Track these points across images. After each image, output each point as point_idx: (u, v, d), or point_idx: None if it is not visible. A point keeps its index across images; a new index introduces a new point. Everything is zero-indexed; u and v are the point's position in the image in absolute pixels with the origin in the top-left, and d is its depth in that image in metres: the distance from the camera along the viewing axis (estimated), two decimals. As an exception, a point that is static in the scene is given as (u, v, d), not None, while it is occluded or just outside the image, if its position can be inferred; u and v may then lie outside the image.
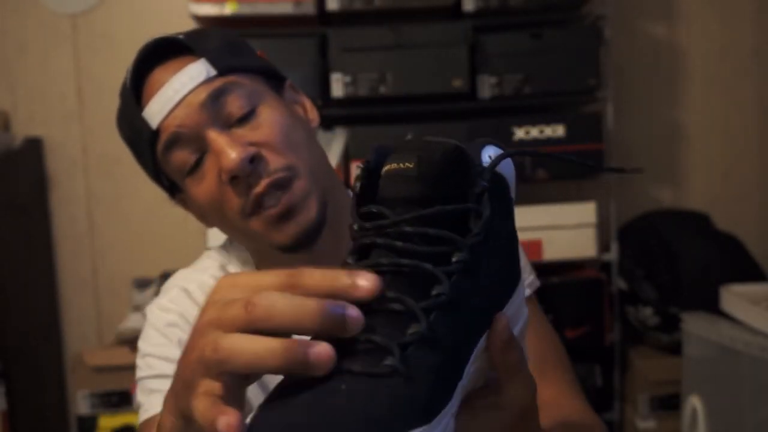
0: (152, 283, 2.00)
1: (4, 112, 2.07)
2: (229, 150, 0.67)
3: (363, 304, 0.37)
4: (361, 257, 0.41)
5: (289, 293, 0.37)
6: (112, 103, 2.08)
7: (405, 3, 1.74)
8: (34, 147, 2.07)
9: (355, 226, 0.42)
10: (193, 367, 0.39)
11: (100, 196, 2.13)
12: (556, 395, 0.70)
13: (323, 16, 1.78)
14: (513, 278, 0.45)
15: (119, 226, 2.14)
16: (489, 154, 0.43)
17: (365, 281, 0.37)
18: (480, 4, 1.76)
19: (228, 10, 1.71)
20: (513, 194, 0.46)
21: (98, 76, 2.09)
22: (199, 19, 1.74)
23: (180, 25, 1.39)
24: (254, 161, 0.67)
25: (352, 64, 1.71)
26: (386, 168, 0.41)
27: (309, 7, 1.72)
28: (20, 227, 1.97)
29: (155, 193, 2.07)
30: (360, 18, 1.78)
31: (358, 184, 0.42)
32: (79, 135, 2.12)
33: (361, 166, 0.43)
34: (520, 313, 0.46)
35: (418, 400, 0.36)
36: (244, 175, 0.67)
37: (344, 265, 0.41)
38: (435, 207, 0.40)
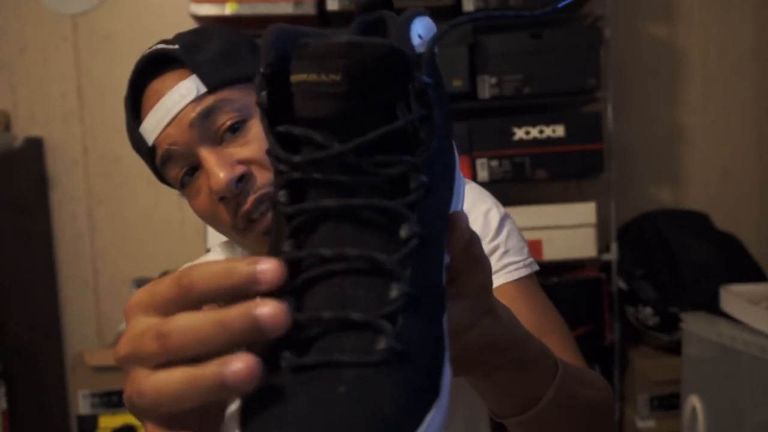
0: (152, 283, 2.01)
1: (5, 112, 2.07)
2: (217, 170, 0.68)
3: (324, 272, 0.31)
4: (294, 197, 0.33)
5: (186, 302, 0.33)
6: (112, 103, 2.09)
7: (404, 3, 1.74)
8: (34, 147, 2.07)
9: (279, 155, 0.33)
10: (133, 411, 0.35)
11: (100, 196, 2.14)
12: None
13: (323, 16, 1.78)
14: (454, 160, 0.39)
15: (119, 226, 2.14)
16: (418, 33, 0.34)
17: (266, 266, 0.31)
18: (480, 4, 1.76)
19: (228, 10, 1.71)
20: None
21: (98, 76, 2.10)
22: (199, 19, 1.75)
23: (180, 25, 1.39)
24: (242, 180, 0.68)
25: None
26: (300, 78, 0.32)
27: (309, 7, 1.72)
28: (20, 227, 1.97)
29: (155, 193, 2.08)
30: (360, 18, 1.78)
31: (264, 95, 0.33)
32: (79, 135, 2.12)
33: (262, 70, 0.33)
34: (460, 188, 0.40)
35: (424, 375, 0.31)
36: (232, 196, 0.68)
37: (275, 206, 0.34)
38: (381, 128, 0.32)
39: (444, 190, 0.37)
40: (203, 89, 0.70)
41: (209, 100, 0.70)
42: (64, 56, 2.10)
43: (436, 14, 1.86)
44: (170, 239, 2.13)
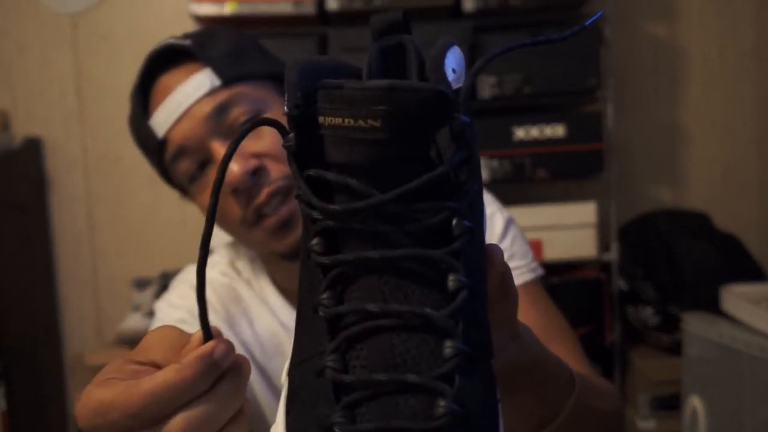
0: (152, 283, 2.00)
1: (4, 112, 2.07)
2: (231, 163, 0.67)
3: (368, 328, 0.30)
4: (329, 247, 0.32)
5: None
6: (112, 103, 2.10)
7: (405, 3, 1.74)
8: (33, 147, 2.07)
9: (313, 203, 0.31)
10: None
11: (100, 196, 2.13)
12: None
13: (323, 16, 1.78)
14: (482, 190, 0.37)
15: (119, 226, 2.14)
16: (452, 67, 0.32)
17: (218, 351, 0.33)
18: (480, 4, 1.76)
19: (228, 10, 1.71)
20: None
21: (98, 76, 2.09)
22: (199, 19, 1.74)
23: (180, 24, 1.39)
24: (256, 173, 0.68)
25: (352, 64, 1.71)
26: (333, 122, 0.30)
27: (309, 7, 1.72)
28: (20, 227, 1.97)
29: (155, 193, 2.09)
30: (360, 18, 1.78)
31: (292, 138, 0.32)
32: (79, 135, 2.12)
33: (288, 111, 0.32)
34: (485, 211, 0.38)
35: None
36: (245, 188, 0.68)
37: (309, 255, 0.32)
38: (424, 174, 0.30)
39: (482, 229, 0.35)
40: (217, 83, 0.70)
41: (224, 94, 0.70)
42: (64, 56, 2.10)
43: (435, 14, 1.86)
44: (170, 239, 2.13)
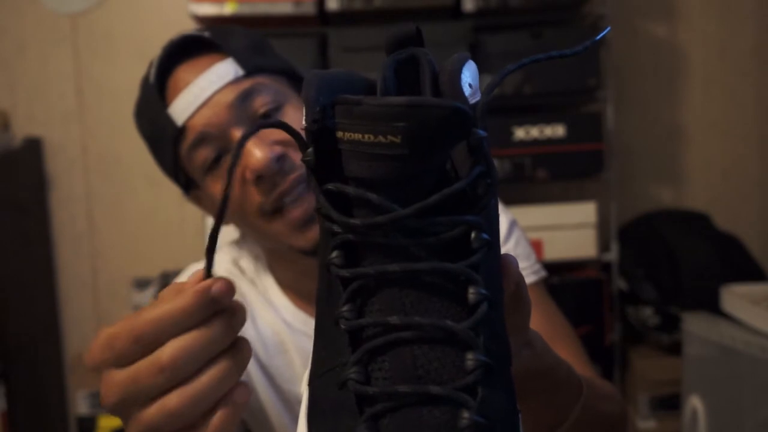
0: (152, 283, 2.00)
1: (4, 112, 2.07)
2: (255, 149, 0.67)
3: (390, 341, 0.31)
4: (348, 260, 0.32)
5: (147, 351, 0.37)
6: (112, 103, 2.10)
7: (405, 3, 1.74)
8: (33, 147, 2.07)
9: (333, 217, 0.32)
10: None
11: (99, 196, 2.13)
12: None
13: (323, 16, 1.78)
14: (498, 202, 0.38)
15: (119, 226, 2.14)
16: (468, 82, 0.33)
17: (216, 285, 0.36)
18: (480, 4, 1.76)
19: (228, 9, 1.71)
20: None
21: (98, 76, 2.09)
22: (199, 19, 1.74)
23: (180, 24, 1.39)
24: (280, 160, 0.68)
25: (352, 64, 1.71)
26: (352, 137, 0.31)
27: (309, 7, 1.72)
28: (20, 227, 1.97)
29: (155, 193, 2.09)
30: (360, 18, 1.78)
31: (311, 153, 0.32)
32: (79, 135, 2.12)
33: (307, 126, 0.32)
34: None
35: None
36: (270, 174, 0.68)
37: (329, 268, 0.33)
38: (444, 189, 0.30)
39: (498, 240, 0.35)
40: (240, 72, 0.70)
41: (247, 83, 0.70)
42: (64, 56, 2.10)
43: (435, 14, 1.86)
44: (170, 239, 2.13)
